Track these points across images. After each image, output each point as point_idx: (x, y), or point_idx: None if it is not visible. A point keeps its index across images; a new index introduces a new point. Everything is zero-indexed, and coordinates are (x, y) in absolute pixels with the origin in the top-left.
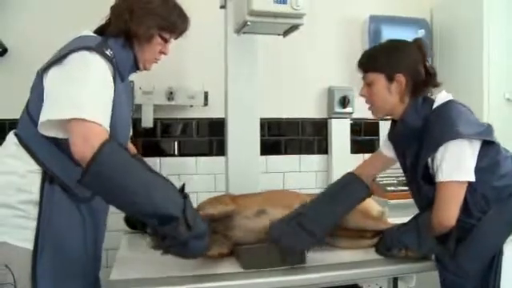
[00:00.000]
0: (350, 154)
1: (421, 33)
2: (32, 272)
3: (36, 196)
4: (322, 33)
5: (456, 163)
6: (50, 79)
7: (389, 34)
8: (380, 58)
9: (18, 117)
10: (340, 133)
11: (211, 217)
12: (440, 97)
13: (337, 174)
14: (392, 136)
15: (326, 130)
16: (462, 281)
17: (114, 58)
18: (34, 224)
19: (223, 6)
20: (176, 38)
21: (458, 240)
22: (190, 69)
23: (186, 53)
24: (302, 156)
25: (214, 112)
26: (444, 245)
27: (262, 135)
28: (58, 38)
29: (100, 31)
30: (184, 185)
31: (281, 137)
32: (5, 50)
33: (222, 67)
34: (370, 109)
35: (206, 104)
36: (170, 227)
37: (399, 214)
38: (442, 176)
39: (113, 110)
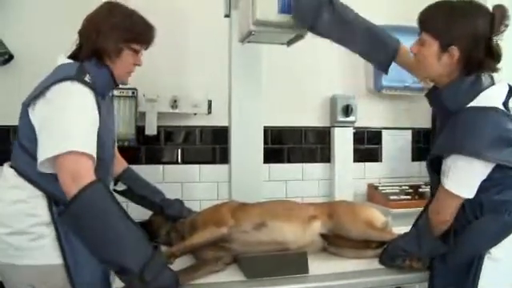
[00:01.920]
0: (353, 163)
1: None
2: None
3: (46, 218)
4: (325, 42)
5: (462, 179)
6: (38, 115)
7: None
8: (440, 22)
9: None
10: (343, 141)
11: (202, 244)
12: (490, 92)
13: (339, 183)
14: (428, 96)
15: (328, 138)
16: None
17: (95, 83)
18: (48, 240)
19: (228, 15)
20: (146, 49)
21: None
22: (194, 77)
23: (190, 61)
24: (304, 164)
25: (217, 120)
26: (444, 244)
27: (264, 143)
28: (63, 43)
29: (74, 56)
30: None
31: (284, 145)
32: (11, 57)
33: (225, 76)
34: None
35: (209, 112)
36: (125, 279)
37: (402, 223)
38: (446, 183)
39: (99, 131)
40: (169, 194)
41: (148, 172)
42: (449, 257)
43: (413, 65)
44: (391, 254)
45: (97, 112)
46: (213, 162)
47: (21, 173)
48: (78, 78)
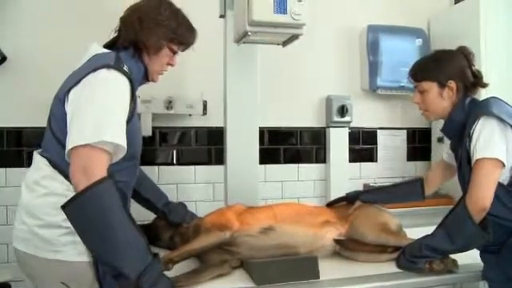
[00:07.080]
0: (349, 163)
1: (418, 42)
2: (99, 283)
3: None
4: (320, 42)
5: (486, 141)
6: (72, 102)
7: (387, 43)
8: (431, 68)
9: (17, 125)
10: (338, 142)
11: (203, 249)
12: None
13: (335, 183)
14: (443, 133)
15: (324, 138)
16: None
17: (132, 74)
18: None
19: (223, 16)
20: (183, 50)
21: (503, 243)
22: (189, 78)
23: (185, 62)
24: (300, 165)
25: (212, 121)
26: (485, 231)
27: (260, 144)
28: (56, 45)
29: (110, 45)
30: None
31: (279, 146)
32: (4, 58)
33: (221, 76)
34: (423, 114)
35: (204, 113)
36: (121, 284)
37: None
38: (475, 155)
39: (132, 126)
40: None
41: None
42: (509, 268)
43: (441, 172)
44: (414, 255)
45: (129, 103)
46: (208, 162)
47: (56, 165)
48: (116, 66)
